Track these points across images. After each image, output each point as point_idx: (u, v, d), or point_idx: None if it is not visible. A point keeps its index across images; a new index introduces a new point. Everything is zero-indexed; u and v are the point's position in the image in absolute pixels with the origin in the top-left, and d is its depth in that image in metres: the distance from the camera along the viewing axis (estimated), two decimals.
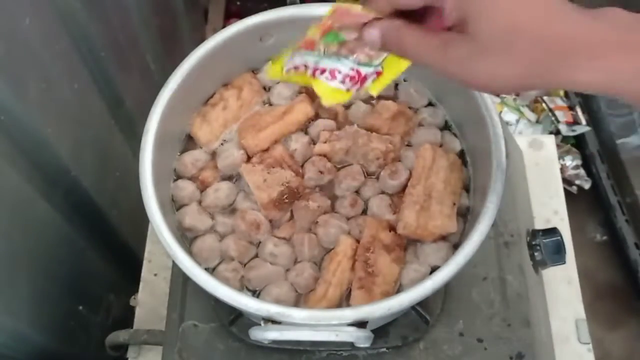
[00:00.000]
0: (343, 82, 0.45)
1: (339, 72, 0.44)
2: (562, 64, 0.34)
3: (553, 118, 1.53)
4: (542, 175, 0.86)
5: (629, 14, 0.35)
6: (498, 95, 1.58)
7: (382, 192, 0.59)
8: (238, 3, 1.73)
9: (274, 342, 0.57)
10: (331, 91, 0.46)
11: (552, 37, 0.34)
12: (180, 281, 0.63)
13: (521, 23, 0.34)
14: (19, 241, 0.67)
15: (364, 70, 0.44)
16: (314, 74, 0.45)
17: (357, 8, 0.40)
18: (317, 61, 0.44)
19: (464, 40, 0.36)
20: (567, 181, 1.51)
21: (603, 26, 0.34)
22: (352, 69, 0.44)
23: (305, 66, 0.45)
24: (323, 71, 0.45)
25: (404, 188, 0.58)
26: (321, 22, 0.42)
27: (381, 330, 0.59)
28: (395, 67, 0.45)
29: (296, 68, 0.46)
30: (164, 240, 0.51)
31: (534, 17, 0.34)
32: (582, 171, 1.53)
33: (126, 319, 0.81)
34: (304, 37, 0.43)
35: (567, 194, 0.90)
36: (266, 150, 0.60)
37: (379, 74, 0.45)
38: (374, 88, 0.46)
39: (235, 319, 0.61)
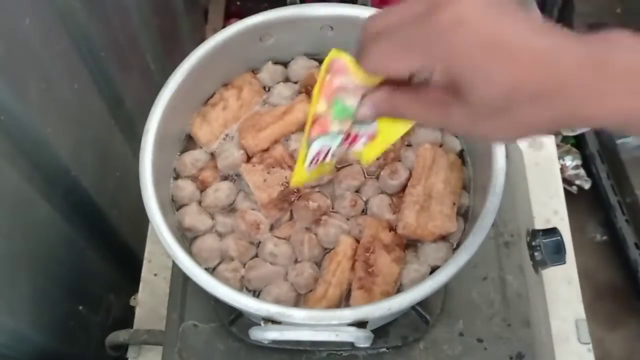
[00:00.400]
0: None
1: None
2: (567, 112, 0.32)
3: None
4: (542, 175, 0.86)
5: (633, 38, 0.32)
6: None
7: (382, 192, 0.59)
8: (238, 3, 1.73)
9: (274, 342, 0.57)
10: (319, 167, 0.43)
11: (555, 90, 0.32)
12: (180, 281, 0.63)
13: (521, 85, 0.32)
14: (19, 241, 0.67)
15: (355, 130, 0.41)
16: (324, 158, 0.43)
17: (351, 63, 0.38)
18: (326, 144, 0.42)
19: (459, 104, 0.35)
20: (567, 181, 1.51)
21: (606, 61, 0.31)
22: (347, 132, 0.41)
23: (322, 153, 0.43)
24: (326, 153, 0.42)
25: (404, 188, 0.58)
26: (320, 80, 0.39)
27: (381, 330, 0.59)
28: (391, 133, 0.42)
29: (315, 160, 0.43)
30: (164, 240, 0.51)
31: (533, 74, 0.32)
32: (582, 171, 1.53)
33: (126, 319, 0.81)
34: (313, 115, 0.40)
35: (567, 194, 0.90)
36: (266, 150, 0.60)
37: (371, 137, 0.42)
38: (366, 155, 0.43)
39: (235, 319, 0.61)
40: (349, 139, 0.42)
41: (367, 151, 0.43)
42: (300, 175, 0.44)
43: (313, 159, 0.42)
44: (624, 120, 0.32)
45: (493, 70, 0.32)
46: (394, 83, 0.39)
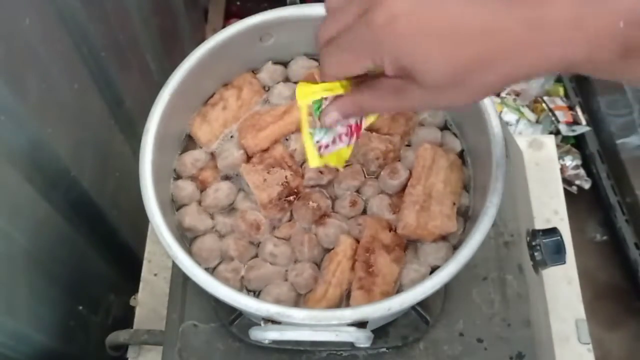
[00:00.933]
0: (343, 141, 0.47)
1: (339, 135, 0.47)
2: (514, 70, 0.35)
3: (553, 118, 1.53)
4: (542, 175, 0.86)
5: None
6: (498, 95, 1.58)
7: (382, 192, 0.59)
8: (238, 3, 1.73)
9: (274, 342, 0.57)
10: (335, 155, 0.48)
11: (499, 55, 0.35)
12: (180, 281, 0.63)
13: (465, 61, 0.35)
14: (19, 241, 0.67)
15: (353, 121, 0.46)
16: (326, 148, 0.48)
17: (317, 86, 0.43)
18: (320, 138, 0.47)
19: (414, 87, 0.38)
20: (567, 181, 1.51)
21: (539, 19, 0.34)
22: (345, 126, 0.46)
23: (322, 144, 0.48)
24: (327, 145, 0.47)
25: (404, 188, 0.58)
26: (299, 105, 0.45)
27: (381, 330, 0.59)
28: None
29: (323, 150, 0.48)
30: (164, 240, 0.51)
31: (473, 49, 0.35)
32: (582, 171, 1.53)
33: (126, 319, 0.81)
34: (304, 114, 0.46)
35: (567, 194, 0.90)
36: (266, 150, 0.60)
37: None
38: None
39: (235, 319, 0.61)
40: (353, 130, 0.46)
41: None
42: (314, 158, 0.48)
43: (320, 147, 0.47)
44: (563, 67, 0.35)
45: (435, 55, 0.35)
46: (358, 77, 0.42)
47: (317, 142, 0.47)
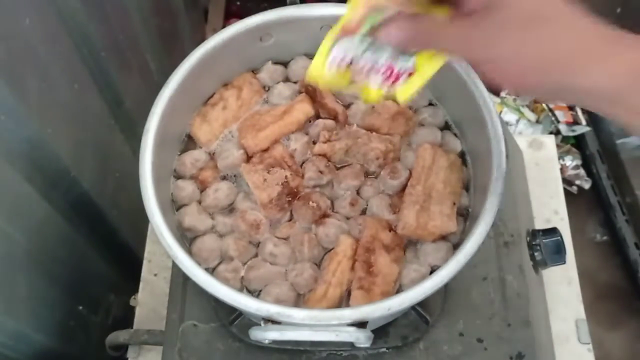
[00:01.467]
0: (370, 77, 0.44)
1: (378, 64, 0.43)
2: (576, 59, 0.36)
3: (553, 118, 1.53)
4: (542, 175, 0.86)
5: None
6: (498, 95, 1.58)
7: (382, 192, 0.59)
8: (238, 3, 1.73)
9: (274, 342, 0.57)
10: (370, 91, 0.45)
11: (575, 29, 0.36)
12: (180, 281, 0.63)
13: (546, 8, 0.36)
14: (19, 241, 0.67)
15: (398, 66, 0.42)
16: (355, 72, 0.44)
17: None
18: (356, 55, 0.43)
19: (487, 19, 0.37)
20: (567, 181, 1.51)
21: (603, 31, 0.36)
22: (387, 60, 0.42)
23: (347, 62, 0.43)
24: (362, 69, 0.44)
25: (404, 188, 0.58)
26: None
27: (381, 330, 0.59)
28: (427, 69, 0.43)
29: (337, 64, 0.44)
30: (164, 241, 0.51)
31: (558, 8, 0.36)
32: (582, 171, 1.53)
33: (126, 319, 0.81)
34: (344, 21, 0.41)
35: (567, 194, 0.90)
36: (266, 150, 0.60)
37: (410, 74, 0.43)
38: (401, 93, 0.44)
39: (235, 319, 0.61)
40: (391, 75, 0.43)
41: (404, 89, 0.44)
42: (318, 69, 0.44)
43: (334, 59, 0.43)
44: (611, 92, 0.36)
45: None
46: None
47: (342, 57, 0.43)
